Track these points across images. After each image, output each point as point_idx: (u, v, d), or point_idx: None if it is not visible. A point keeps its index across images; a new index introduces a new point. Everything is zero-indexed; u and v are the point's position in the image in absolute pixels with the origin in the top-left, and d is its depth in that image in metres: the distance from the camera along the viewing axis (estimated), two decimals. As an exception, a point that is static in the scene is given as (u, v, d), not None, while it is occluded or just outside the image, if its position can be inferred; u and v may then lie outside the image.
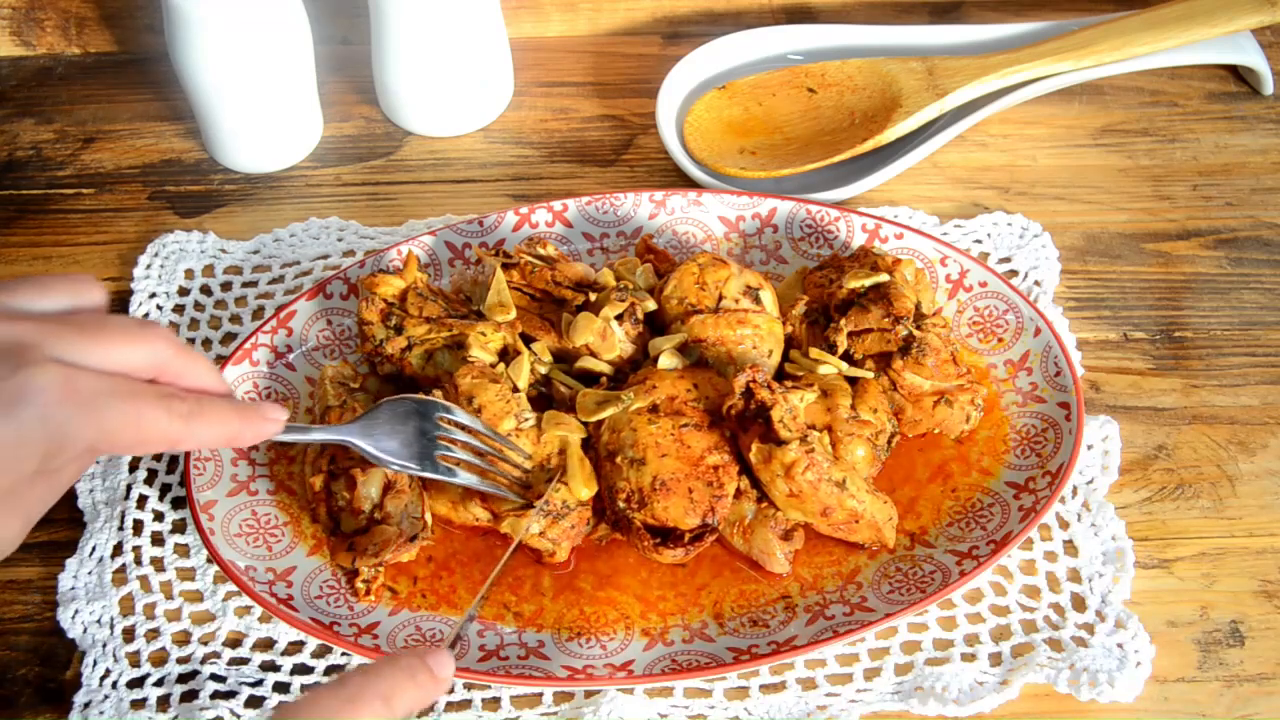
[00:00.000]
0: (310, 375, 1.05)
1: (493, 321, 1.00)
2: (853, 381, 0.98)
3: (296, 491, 0.98)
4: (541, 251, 1.04)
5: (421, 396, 0.93)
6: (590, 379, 1.00)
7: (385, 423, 0.91)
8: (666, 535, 0.91)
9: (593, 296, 1.01)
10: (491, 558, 0.95)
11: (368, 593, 0.92)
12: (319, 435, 0.89)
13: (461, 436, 0.92)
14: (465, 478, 0.91)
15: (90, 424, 0.67)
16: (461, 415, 0.93)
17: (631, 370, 1.01)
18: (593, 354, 1.00)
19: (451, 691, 0.89)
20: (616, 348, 1.00)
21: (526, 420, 0.95)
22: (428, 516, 0.93)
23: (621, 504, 0.91)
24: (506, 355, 1.00)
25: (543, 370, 1.00)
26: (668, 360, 0.97)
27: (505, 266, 1.03)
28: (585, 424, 0.96)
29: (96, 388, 0.67)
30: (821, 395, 0.95)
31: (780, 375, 1.00)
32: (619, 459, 0.92)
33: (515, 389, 0.96)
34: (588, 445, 0.96)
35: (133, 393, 0.70)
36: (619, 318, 1.00)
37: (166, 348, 0.73)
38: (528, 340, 1.01)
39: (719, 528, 0.92)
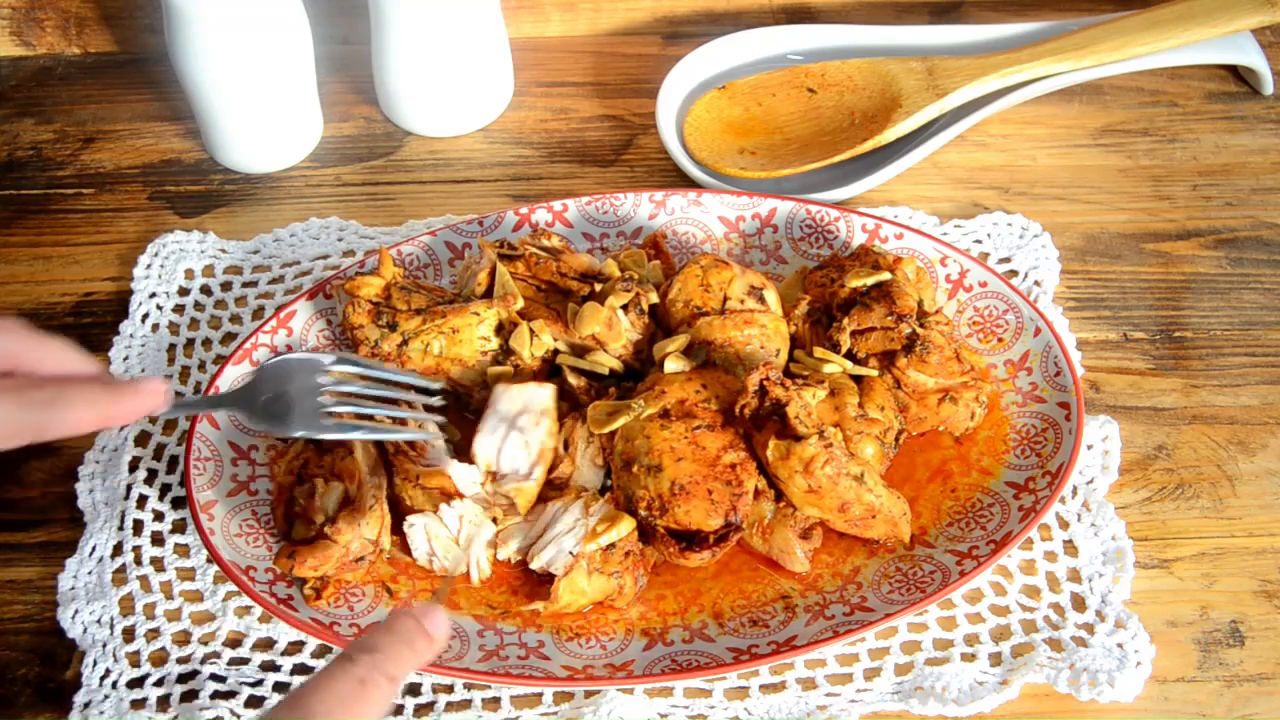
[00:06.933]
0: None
1: (485, 300, 0.99)
2: (858, 380, 0.98)
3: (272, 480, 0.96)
4: (545, 243, 1.04)
5: (305, 354, 0.87)
6: (597, 381, 1.00)
7: (271, 386, 0.85)
8: (691, 539, 0.90)
9: (598, 287, 1.01)
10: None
11: (318, 597, 0.91)
12: (200, 404, 0.84)
13: (356, 388, 0.87)
14: (361, 433, 0.86)
15: None
16: (352, 365, 0.86)
17: (641, 364, 1.01)
18: (600, 344, 1.00)
19: (451, 691, 0.89)
20: (623, 336, 1.00)
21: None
22: (384, 541, 0.91)
23: (643, 512, 0.91)
24: (503, 330, 1.00)
25: (549, 344, 0.99)
26: (674, 364, 0.97)
27: (510, 258, 1.03)
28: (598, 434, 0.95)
29: None
30: (829, 394, 0.95)
31: (785, 375, 1.00)
32: (635, 467, 0.92)
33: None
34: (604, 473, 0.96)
35: None
36: (624, 308, 1.00)
37: (15, 338, 0.71)
38: (524, 321, 1.00)
39: (742, 526, 0.92)
